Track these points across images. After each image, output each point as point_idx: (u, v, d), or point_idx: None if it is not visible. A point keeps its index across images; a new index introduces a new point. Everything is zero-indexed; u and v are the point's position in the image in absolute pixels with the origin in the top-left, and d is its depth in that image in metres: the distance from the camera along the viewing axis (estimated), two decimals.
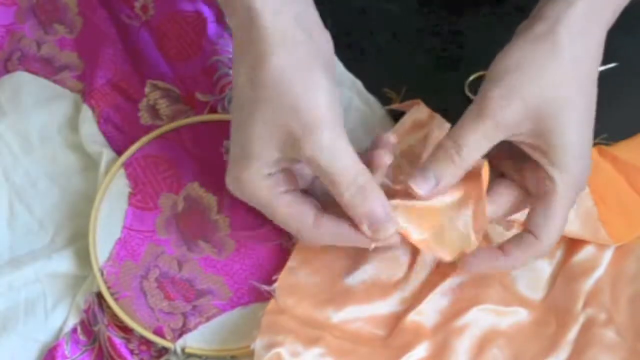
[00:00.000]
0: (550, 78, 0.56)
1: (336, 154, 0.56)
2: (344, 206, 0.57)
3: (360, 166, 0.57)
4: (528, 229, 0.59)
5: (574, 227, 0.65)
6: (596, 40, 0.58)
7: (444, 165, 0.57)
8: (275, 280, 0.65)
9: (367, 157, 0.68)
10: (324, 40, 0.60)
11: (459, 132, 0.57)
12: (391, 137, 0.61)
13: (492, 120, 0.56)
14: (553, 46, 0.56)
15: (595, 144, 0.67)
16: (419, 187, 0.57)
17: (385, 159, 0.59)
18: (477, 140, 0.57)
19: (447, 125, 0.69)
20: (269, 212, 0.59)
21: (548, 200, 0.57)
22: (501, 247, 0.59)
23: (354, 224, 0.58)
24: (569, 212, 0.59)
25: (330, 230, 0.59)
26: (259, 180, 0.58)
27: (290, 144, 0.56)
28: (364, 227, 0.57)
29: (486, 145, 0.57)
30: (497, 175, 0.61)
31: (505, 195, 0.60)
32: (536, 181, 0.58)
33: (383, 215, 0.57)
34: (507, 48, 0.58)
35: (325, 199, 0.60)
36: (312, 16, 0.59)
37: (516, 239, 0.59)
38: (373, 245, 0.58)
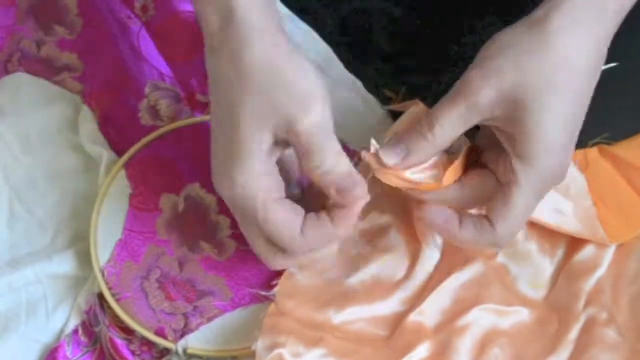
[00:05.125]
0: (533, 64, 0.55)
1: (327, 127, 0.56)
2: (317, 175, 0.56)
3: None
4: (486, 216, 0.58)
5: (572, 226, 0.66)
6: (593, 34, 0.56)
7: (415, 139, 0.57)
8: (274, 285, 0.65)
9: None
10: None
11: (435, 111, 0.57)
12: None
13: (466, 101, 0.55)
14: (543, 33, 0.55)
15: (596, 143, 0.67)
16: (387, 156, 0.57)
17: None
18: (451, 119, 0.56)
19: None
20: (260, 217, 0.56)
21: (508, 190, 0.56)
22: (460, 220, 0.58)
23: (330, 215, 0.57)
24: (535, 206, 0.58)
25: (314, 232, 0.57)
26: (255, 181, 0.56)
27: (284, 122, 0.55)
28: (332, 191, 0.56)
29: (460, 126, 0.56)
30: (481, 166, 0.60)
31: (476, 182, 0.59)
32: (504, 170, 0.57)
33: (352, 178, 0.56)
34: (499, 32, 0.57)
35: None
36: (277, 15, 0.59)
37: (475, 219, 0.58)
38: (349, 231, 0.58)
